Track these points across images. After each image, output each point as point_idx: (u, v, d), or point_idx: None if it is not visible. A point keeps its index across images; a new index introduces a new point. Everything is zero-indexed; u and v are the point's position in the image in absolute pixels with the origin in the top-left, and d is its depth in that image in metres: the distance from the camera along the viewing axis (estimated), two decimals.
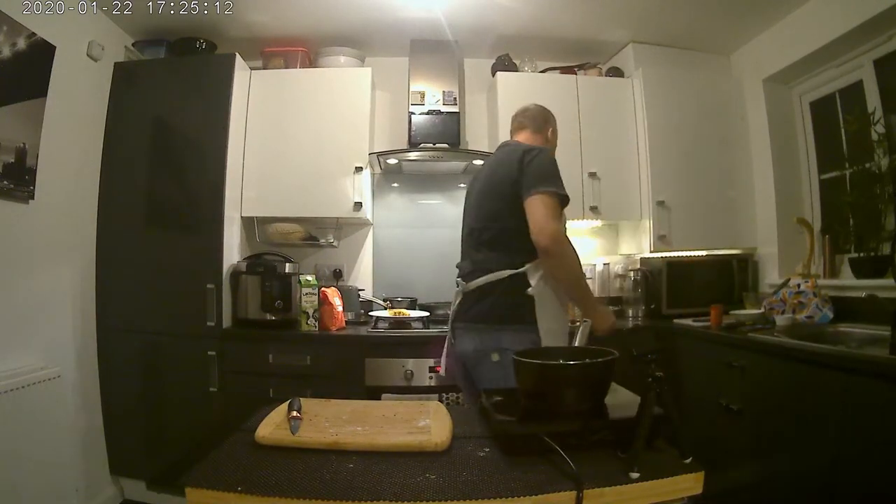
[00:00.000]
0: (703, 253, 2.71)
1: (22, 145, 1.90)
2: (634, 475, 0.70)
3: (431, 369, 2.16)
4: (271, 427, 0.84)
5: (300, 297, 2.34)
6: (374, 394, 2.14)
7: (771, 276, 2.62)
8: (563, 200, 1.48)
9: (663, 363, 0.76)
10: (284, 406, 0.93)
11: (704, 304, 2.32)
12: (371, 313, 2.54)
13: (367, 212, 2.63)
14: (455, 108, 2.64)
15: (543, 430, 0.78)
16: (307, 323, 2.32)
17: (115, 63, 2.41)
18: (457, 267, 1.70)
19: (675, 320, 2.40)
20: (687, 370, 2.24)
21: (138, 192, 2.37)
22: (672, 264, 2.60)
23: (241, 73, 2.48)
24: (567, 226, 1.63)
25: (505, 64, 2.76)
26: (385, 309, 2.60)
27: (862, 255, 2.16)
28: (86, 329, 2.29)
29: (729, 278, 2.63)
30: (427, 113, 2.62)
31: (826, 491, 1.50)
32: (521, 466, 0.73)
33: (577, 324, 1.47)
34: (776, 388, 1.75)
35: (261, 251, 2.58)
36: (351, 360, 2.21)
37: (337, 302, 2.40)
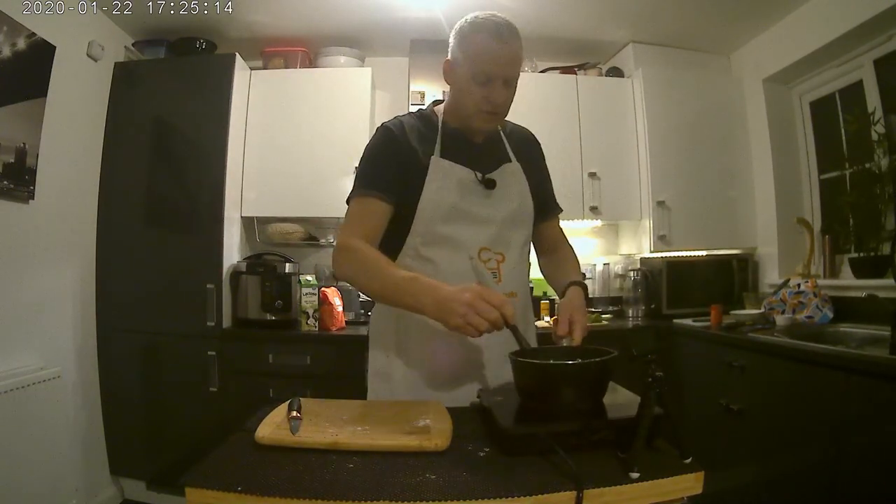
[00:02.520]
0: (703, 253, 2.71)
1: (22, 145, 1.90)
2: (634, 475, 0.70)
3: None
4: (271, 427, 0.84)
5: (300, 297, 2.34)
6: None
7: (771, 276, 2.62)
8: (362, 195, 1.09)
9: (663, 363, 0.76)
10: (284, 406, 0.93)
11: (704, 304, 2.32)
12: (371, 313, 2.53)
13: None
14: None
15: (543, 430, 0.77)
16: (307, 323, 2.32)
17: (115, 63, 2.42)
18: None
19: (675, 320, 2.40)
20: (687, 370, 2.24)
21: (138, 192, 2.37)
22: (672, 264, 2.60)
23: (241, 73, 2.48)
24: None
25: None
26: None
27: (862, 255, 2.16)
28: (86, 329, 2.29)
29: (729, 278, 2.63)
30: None
31: (826, 491, 1.50)
32: (521, 466, 0.73)
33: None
34: (776, 388, 1.74)
35: (261, 251, 2.58)
36: (351, 360, 2.21)
37: (337, 302, 2.40)
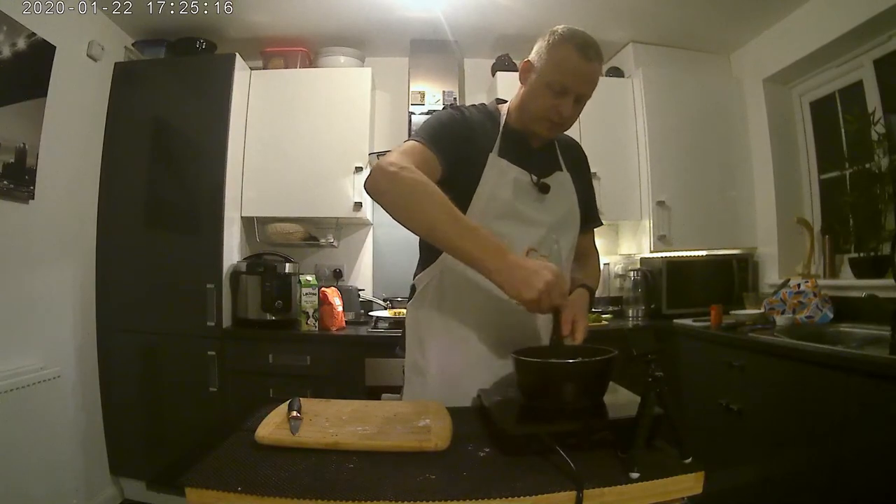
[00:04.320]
0: (703, 253, 2.71)
1: (22, 145, 1.90)
2: (634, 475, 0.70)
3: None
4: (271, 427, 0.84)
5: (300, 297, 2.34)
6: (374, 394, 2.14)
7: (771, 276, 2.62)
8: (425, 144, 1.05)
9: (663, 363, 0.76)
10: (284, 406, 0.93)
11: (704, 304, 2.32)
12: (371, 313, 2.54)
13: (367, 212, 2.63)
14: None
15: (543, 430, 0.78)
16: (307, 323, 2.32)
17: (115, 63, 2.42)
18: None
19: (675, 320, 2.40)
20: (687, 370, 2.24)
21: (138, 192, 2.37)
22: (672, 264, 2.60)
23: (241, 73, 2.48)
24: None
25: (505, 64, 2.76)
26: (385, 309, 2.60)
27: (862, 255, 2.16)
28: (86, 329, 2.29)
29: (729, 278, 2.63)
30: (427, 113, 2.62)
31: (826, 491, 1.50)
32: (521, 466, 0.73)
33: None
34: (776, 388, 1.74)
35: (261, 251, 2.58)
36: (351, 360, 2.21)
37: (337, 302, 2.40)
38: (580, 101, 1.09)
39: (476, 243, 0.90)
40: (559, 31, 1.09)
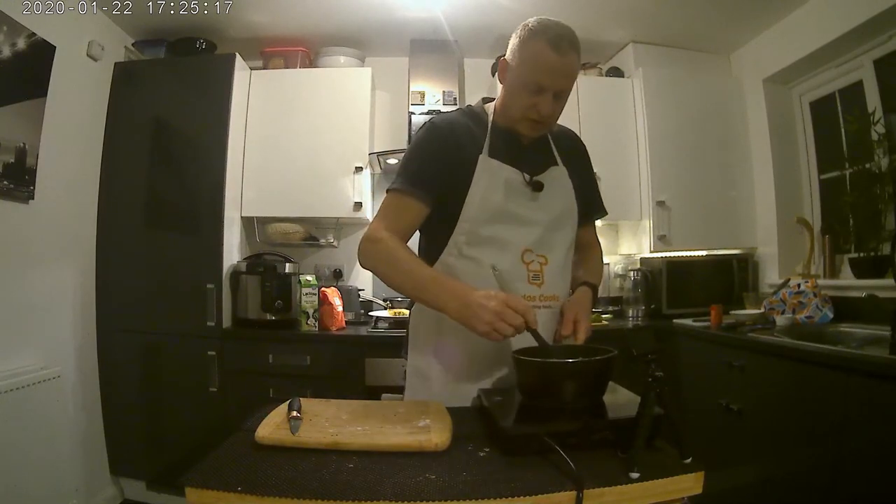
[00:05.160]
0: (703, 253, 2.71)
1: (22, 145, 1.90)
2: (634, 475, 0.70)
3: None
4: (271, 427, 0.84)
5: (300, 297, 2.34)
6: (374, 394, 2.14)
7: (771, 276, 2.62)
8: (401, 191, 1.09)
9: (663, 363, 0.76)
10: (284, 406, 0.93)
11: (704, 304, 2.31)
12: (371, 313, 2.54)
13: (367, 212, 2.63)
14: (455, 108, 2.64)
15: (543, 430, 0.78)
16: (307, 323, 2.32)
17: (115, 63, 2.42)
18: None
19: (675, 320, 2.40)
20: (687, 370, 2.24)
21: (138, 192, 2.37)
22: (672, 264, 2.60)
23: (241, 73, 2.48)
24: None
25: None
26: (385, 309, 2.60)
27: (862, 255, 2.16)
28: (86, 329, 2.29)
29: (729, 278, 2.63)
30: (427, 113, 2.62)
31: (826, 491, 1.50)
32: (521, 466, 0.73)
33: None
34: (776, 388, 1.74)
35: (261, 251, 2.58)
36: (351, 360, 2.21)
37: (337, 302, 2.40)
38: (560, 96, 1.06)
39: (437, 294, 0.98)
40: (530, 25, 1.05)
